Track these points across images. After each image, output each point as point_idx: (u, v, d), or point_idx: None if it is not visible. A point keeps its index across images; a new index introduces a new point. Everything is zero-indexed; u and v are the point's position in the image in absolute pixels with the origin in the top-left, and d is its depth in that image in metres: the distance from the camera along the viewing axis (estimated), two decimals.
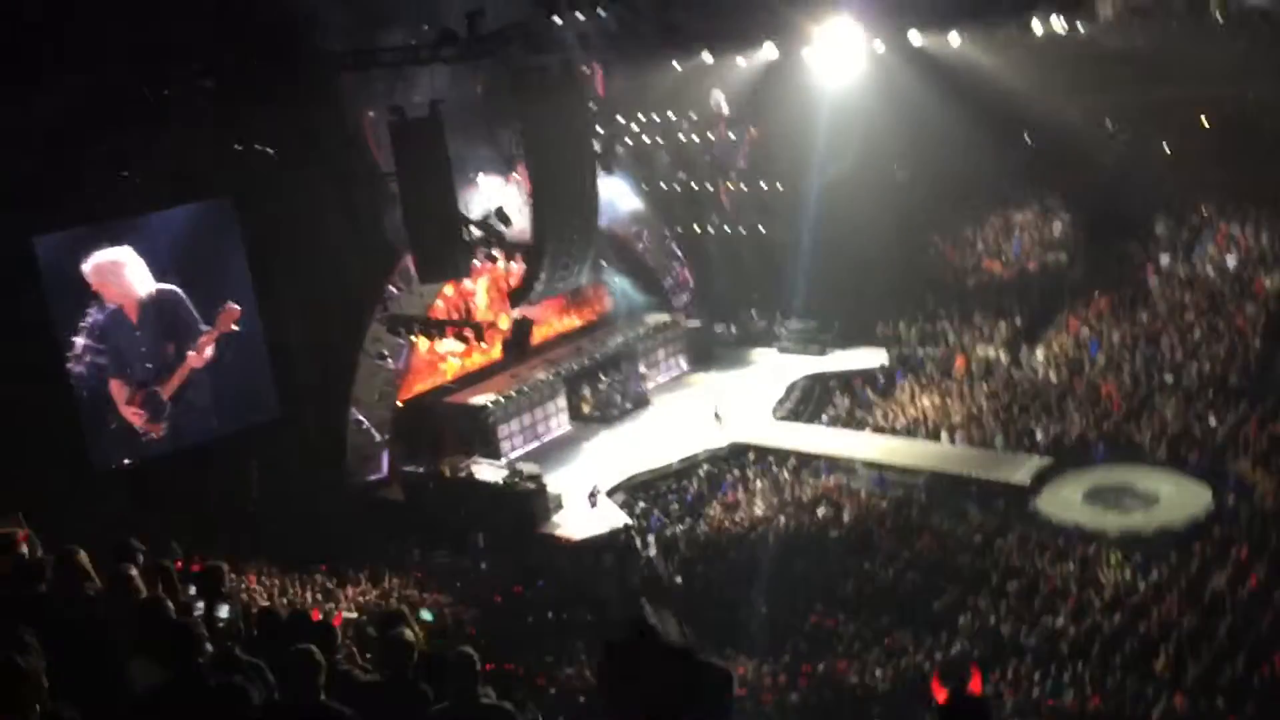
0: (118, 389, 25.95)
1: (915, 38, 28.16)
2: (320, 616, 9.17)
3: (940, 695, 5.28)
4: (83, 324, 25.19)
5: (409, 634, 7.17)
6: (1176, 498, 24.27)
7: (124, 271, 25.69)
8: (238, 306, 27.22)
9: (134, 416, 26.12)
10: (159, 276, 26.20)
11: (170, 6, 23.87)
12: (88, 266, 25.08)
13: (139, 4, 23.41)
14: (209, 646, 6.83)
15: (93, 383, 25.56)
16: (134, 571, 8.12)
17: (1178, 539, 22.26)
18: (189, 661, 5.67)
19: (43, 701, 3.70)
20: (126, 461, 25.87)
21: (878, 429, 29.92)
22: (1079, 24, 29.88)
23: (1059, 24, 29.22)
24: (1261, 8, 32.79)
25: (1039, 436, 27.37)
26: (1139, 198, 33.18)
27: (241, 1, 25.06)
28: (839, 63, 28.14)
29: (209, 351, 27.06)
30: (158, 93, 25.36)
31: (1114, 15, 33.32)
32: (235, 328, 27.21)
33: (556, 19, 28.01)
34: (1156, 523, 23.39)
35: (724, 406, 31.33)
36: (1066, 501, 24.93)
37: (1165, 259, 31.99)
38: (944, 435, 28.59)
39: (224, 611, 8.68)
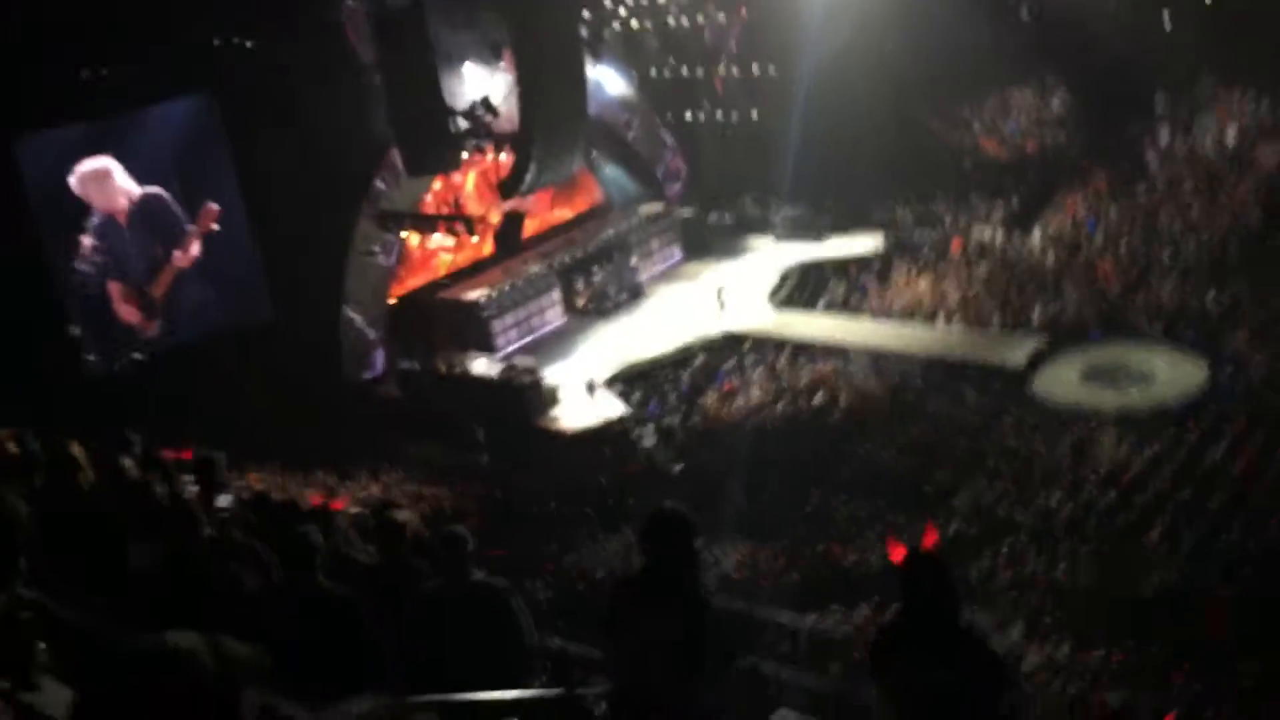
0: (115, 290, 25.97)
1: None
2: (319, 503, 9.23)
3: (896, 555, 5.47)
4: (86, 226, 25.10)
5: (402, 515, 7.15)
6: (1172, 374, 24.27)
7: (109, 179, 25.41)
8: (216, 206, 26.88)
9: (129, 314, 26.09)
10: (143, 179, 25.82)
11: None
12: (73, 178, 24.77)
13: None
14: (208, 531, 6.81)
15: (94, 286, 25.53)
16: (128, 462, 8.07)
17: (1174, 415, 22.33)
18: (183, 542, 5.63)
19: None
20: (134, 357, 25.90)
21: (874, 314, 29.82)
22: None
23: None
24: None
25: (1036, 317, 27.29)
26: (1139, 73, 32.58)
27: None
28: None
29: (195, 250, 26.82)
30: None
31: None
32: (215, 226, 26.92)
33: None
34: (1152, 400, 23.45)
35: (727, 290, 31.16)
36: (1063, 382, 24.93)
37: (1164, 134, 31.54)
38: (940, 318, 28.51)
39: (223, 500, 8.68)
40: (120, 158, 25.43)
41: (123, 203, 25.64)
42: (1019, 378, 25.41)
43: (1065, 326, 26.84)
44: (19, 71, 22.06)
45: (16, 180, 23.52)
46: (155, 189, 26.14)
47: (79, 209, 24.98)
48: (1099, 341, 26.19)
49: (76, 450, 7.69)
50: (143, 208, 25.93)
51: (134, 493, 6.80)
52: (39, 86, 22.98)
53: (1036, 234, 30.68)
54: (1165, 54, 32.01)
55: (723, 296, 30.99)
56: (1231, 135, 30.33)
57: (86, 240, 25.21)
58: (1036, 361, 25.85)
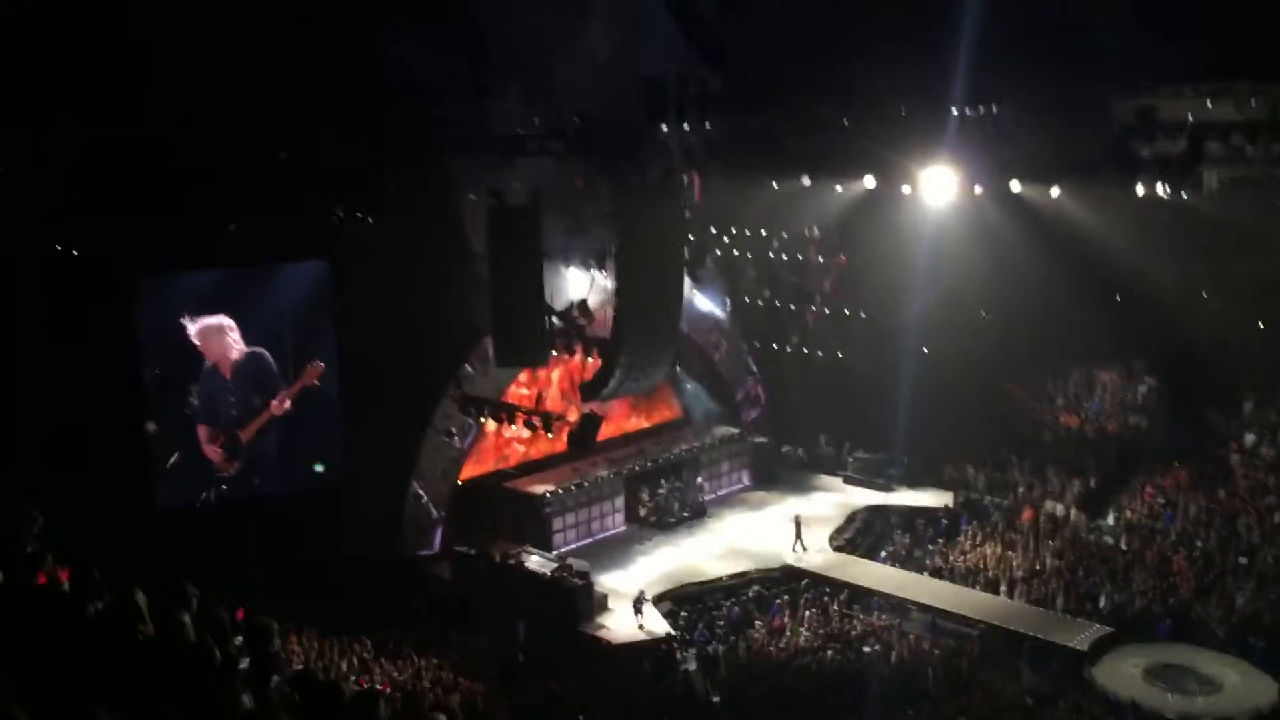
0: (203, 432, 26.88)
1: (1015, 185, 28.24)
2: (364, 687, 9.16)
3: None
4: (191, 372, 26.52)
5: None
6: (1241, 687, 23.33)
7: (225, 335, 26.74)
8: (322, 364, 27.75)
9: (213, 454, 26.89)
10: (254, 333, 26.94)
11: (288, 64, 24.75)
12: (193, 327, 26.24)
13: (257, 59, 24.31)
14: (247, 701, 6.82)
15: (180, 426, 26.53)
16: (187, 620, 8.16)
17: None
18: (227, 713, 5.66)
19: None
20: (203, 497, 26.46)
21: (935, 572, 29.30)
22: (1184, 192, 29.75)
23: (1163, 190, 29.11)
24: None
25: (1102, 602, 26.60)
26: (1228, 371, 32.62)
27: (360, 68, 25.85)
28: (936, 202, 28.25)
29: (288, 403, 27.61)
30: (271, 153, 26.36)
31: (1218, 186, 33.16)
32: (317, 383, 27.76)
33: (663, 126, 28.71)
34: (1217, 710, 22.46)
35: (803, 522, 30.99)
36: (1124, 675, 24.04)
37: (1250, 437, 31.26)
38: (1003, 588, 27.90)
39: (274, 680, 8.65)
40: (235, 310, 26.62)
41: (232, 356, 26.71)
42: (1079, 662, 24.57)
43: (1132, 617, 26.07)
44: (150, 214, 23.40)
45: (132, 318, 24.62)
46: (261, 349, 27.21)
47: (187, 355, 25.99)
48: (1166, 639, 25.33)
49: (140, 599, 7.83)
50: (248, 363, 27.00)
51: (190, 654, 6.86)
52: (168, 231, 24.28)
53: (1110, 517, 30.21)
54: (1256, 355, 32.08)
55: (800, 528, 30.71)
56: None
57: (195, 387, 26.39)
58: (1099, 648, 25.02)
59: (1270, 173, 30.49)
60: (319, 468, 25.94)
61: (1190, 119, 29.02)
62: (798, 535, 30.53)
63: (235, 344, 26.77)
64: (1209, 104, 30.96)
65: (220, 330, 26.58)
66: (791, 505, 33.70)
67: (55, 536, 8.18)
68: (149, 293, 25.37)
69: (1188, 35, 26.63)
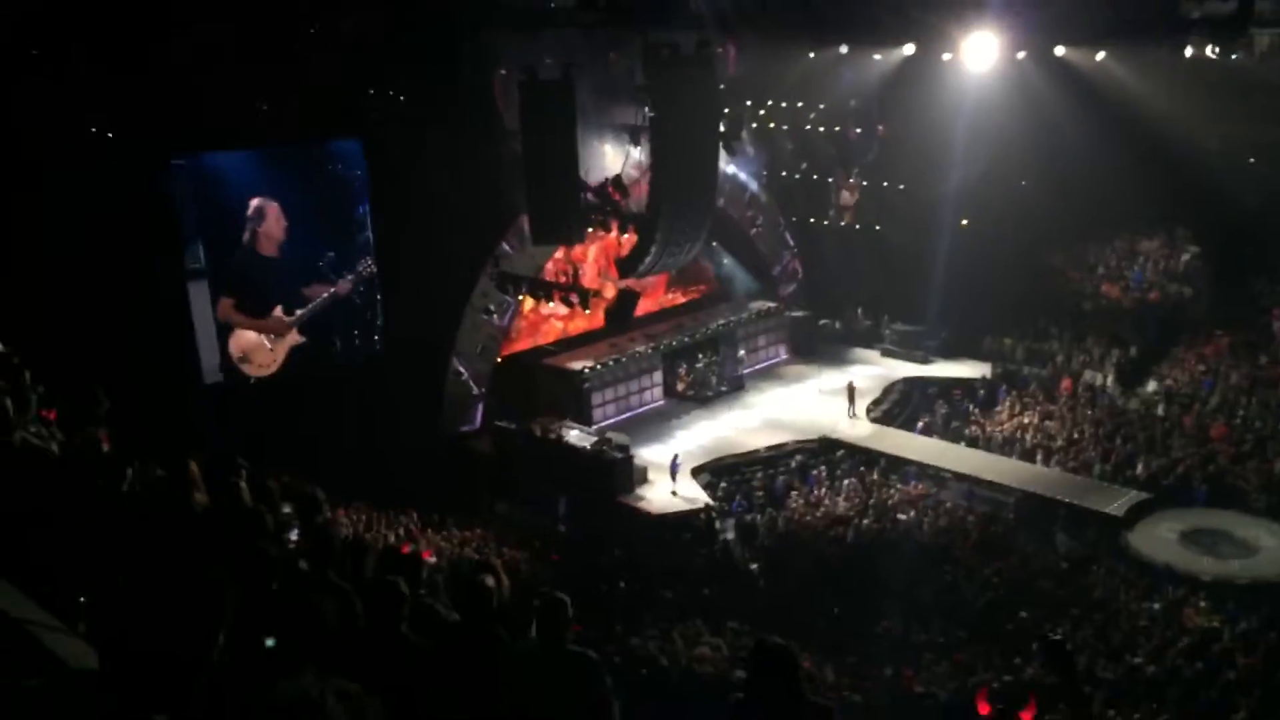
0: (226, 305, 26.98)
1: (1059, 50, 27.52)
2: (410, 550, 9.48)
3: (983, 709, 5.38)
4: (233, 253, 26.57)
5: (490, 580, 7.36)
6: (1277, 550, 23.50)
7: (270, 212, 26.67)
8: (374, 263, 27.99)
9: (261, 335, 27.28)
10: (292, 211, 26.92)
11: None
12: (252, 204, 26.42)
13: None
14: (303, 564, 7.09)
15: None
16: (244, 488, 8.44)
17: (1273, 591, 21.55)
18: (282, 573, 5.90)
19: None
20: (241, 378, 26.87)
21: (972, 442, 29.48)
22: (1233, 54, 28.85)
23: (1212, 51, 28.26)
24: None
25: (1139, 469, 26.71)
26: (1273, 238, 32.03)
27: None
28: (977, 68, 27.60)
29: (346, 287, 28.03)
30: (301, 32, 26.09)
31: (1269, 46, 32.12)
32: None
33: None
34: (1252, 573, 22.69)
35: (861, 387, 31.75)
36: (1160, 540, 24.27)
37: None
38: (1040, 457, 28.07)
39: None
40: (272, 188, 26.60)
41: (276, 235, 26.77)
42: (1114, 528, 24.81)
43: (1170, 484, 26.19)
44: (184, 93, 23.33)
45: (169, 199, 24.75)
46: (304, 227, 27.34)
47: (229, 235, 26.14)
48: (1203, 504, 25.47)
49: (194, 470, 8.09)
50: (289, 247, 27.03)
51: (248, 520, 7.13)
52: (203, 111, 24.24)
53: (1151, 386, 30.12)
54: None
55: (853, 394, 31.24)
56: None
57: (231, 264, 26.48)
58: (1135, 514, 25.22)
59: None
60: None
61: None
62: (851, 402, 31.03)
63: (280, 224, 26.80)
64: None
65: (265, 210, 26.63)
66: (829, 378, 33.92)
67: (107, 410, 8.39)
68: (184, 176, 25.36)
69: None
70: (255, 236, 26.55)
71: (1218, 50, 28.31)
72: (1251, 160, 33.51)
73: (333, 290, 27.87)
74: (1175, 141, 31.89)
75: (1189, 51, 28.12)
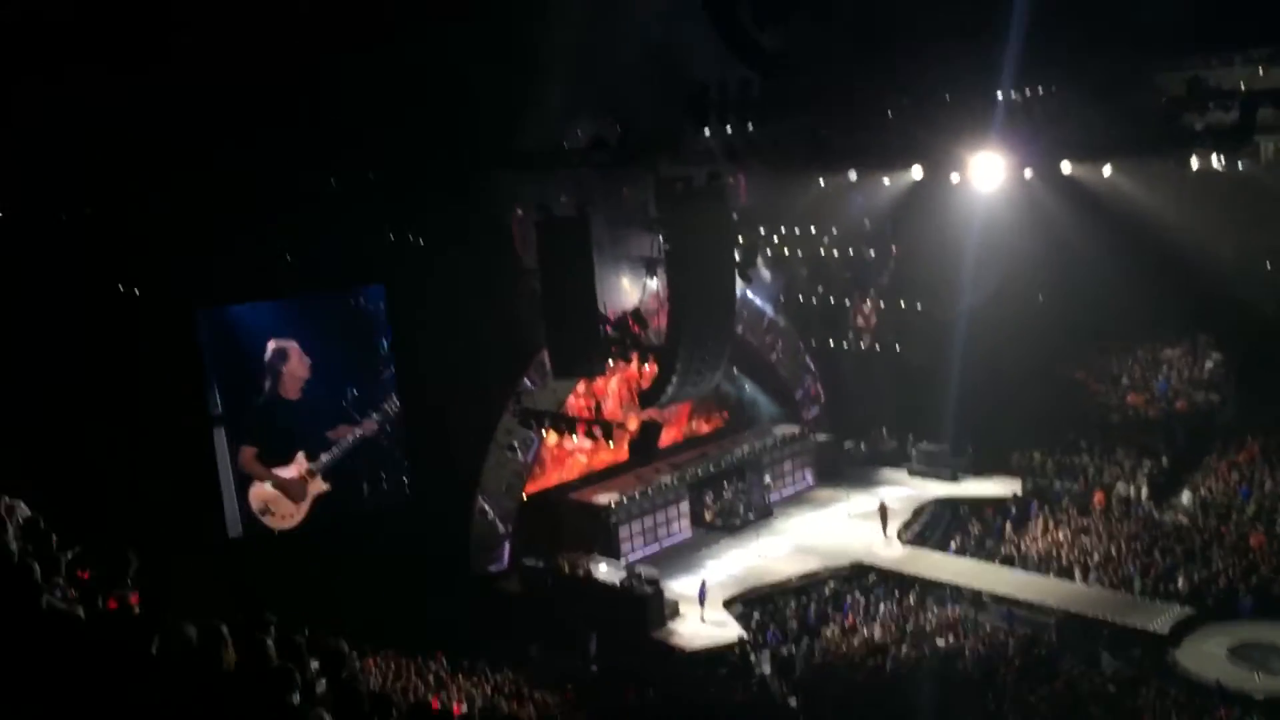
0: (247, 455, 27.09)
1: (1066, 166, 27.88)
2: (439, 706, 9.28)
3: None
4: (256, 399, 26.71)
5: None
6: None
7: (293, 355, 27.09)
8: (398, 401, 28.13)
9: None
10: (316, 358, 27.25)
11: (337, 95, 25.09)
12: (269, 347, 26.76)
13: (306, 91, 24.67)
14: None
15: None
16: (271, 645, 8.33)
17: None
18: None
19: None
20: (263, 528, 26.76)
21: (1007, 561, 28.96)
22: (1239, 162, 29.18)
23: (1217, 161, 28.60)
24: None
25: (1180, 583, 26.12)
26: None
27: (406, 93, 26.10)
28: (985, 188, 27.97)
29: (370, 428, 28.14)
30: (324, 180, 26.77)
31: (1275, 153, 32.50)
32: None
33: (706, 130, 28.69)
34: None
35: (893, 507, 31.59)
36: (1209, 657, 23.59)
37: None
38: (1078, 574, 27.51)
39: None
40: (292, 329, 27.02)
41: (301, 376, 27.01)
42: (1160, 646, 24.15)
43: (1213, 597, 25.57)
44: (206, 247, 23.87)
45: (195, 349, 25.09)
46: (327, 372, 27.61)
47: (252, 381, 26.41)
48: (1249, 617, 24.80)
49: (222, 630, 8.00)
50: (315, 386, 27.26)
51: (276, 680, 7.01)
52: (224, 263, 24.76)
53: (1185, 496, 29.67)
54: None
55: (886, 515, 31.04)
56: None
57: (252, 410, 26.65)
58: (1180, 631, 24.58)
59: None
60: None
61: (1242, 86, 28.51)
62: (884, 523, 30.86)
63: (303, 365, 27.16)
64: (1260, 70, 30.41)
65: (288, 352, 27.01)
66: (858, 502, 33.56)
67: (137, 570, 8.37)
68: (210, 326, 25.77)
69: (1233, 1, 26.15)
70: (278, 379, 26.89)
71: (1223, 160, 28.69)
72: (1268, 265, 33.66)
73: (358, 431, 27.98)
74: (1190, 250, 32.06)
75: (1195, 163, 28.49)
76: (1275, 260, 32.93)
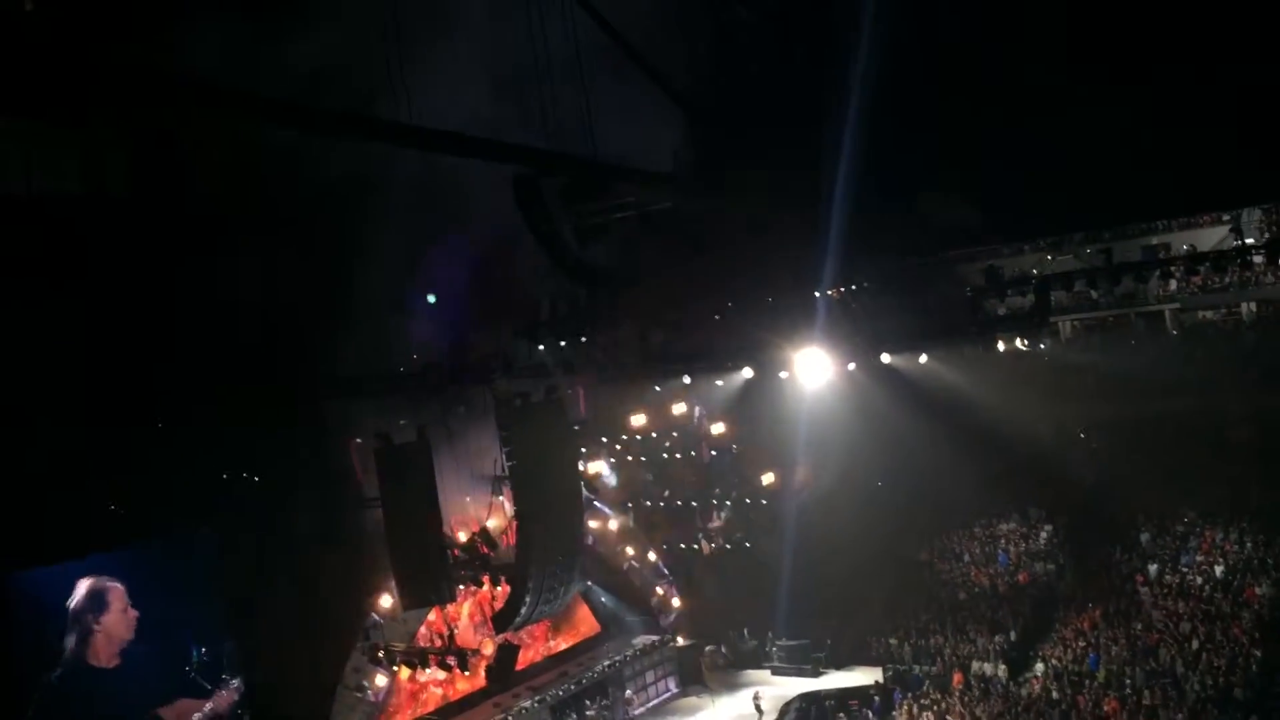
0: None
1: (885, 357, 29.25)
2: None
3: None
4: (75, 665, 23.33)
5: None
6: None
7: (114, 606, 24.18)
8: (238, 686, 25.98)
9: None
10: (144, 609, 25.19)
11: (160, 336, 24.53)
12: (82, 586, 23.65)
13: (127, 332, 24.05)
14: None
15: None
16: None
17: None
18: None
19: None
20: None
21: None
22: (1041, 343, 31.20)
23: (1021, 343, 30.55)
24: (1214, 320, 34.44)
25: None
26: (1120, 507, 33.51)
27: (228, 330, 25.74)
28: (813, 383, 29.01)
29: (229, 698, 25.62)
30: (149, 425, 25.86)
31: (1072, 332, 34.95)
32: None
33: (540, 346, 29.16)
34: None
35: (764, 699, 31.55)
36: None
37: (1153, 568, 31.90)
38: None
39: None
40: (110, 568, 24.74)
41: (117, 639, 24.64)
42: None
43: None
44: (16, 505, 22.39)
45: (8, 616, 23.22)
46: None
47: (76, 642, 24.02)
48: None
49: None
50: (135, 651, 24.66)
51: None
52: (38, 521, 23.21)
53: (1038, 668, 30.18)
54: (1143, 488, 33.11)
55: (759, 705, 31.06)
56: (1220, 569, 30.70)
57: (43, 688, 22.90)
58: None
59: (1117, 314, 32.26)
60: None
61: (1035, 272, 30.81)
62: (759, 711, 30.93)
63: (125, 620, 24.25)
64: (1049, 257, 33.01)
65: (106, 598, 24.09)
66: (724, 707, 32.98)
67: None
68: (25, 588, 23.75)
69: (1014, 199, 28.40)
70: (87, 639, 23.34)
71: (1026, 342, 30.65)
72: (1082, 435, 35.60)
73: (208, 706, 24.84)
74: (1010, 426, 33.76)
75: (1001, 345, 30.34)
76: (1088, 431, 34.86)
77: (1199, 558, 31.50)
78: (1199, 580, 30.74)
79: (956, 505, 36.27)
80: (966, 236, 31.86)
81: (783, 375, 29.56)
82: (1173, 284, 33.29)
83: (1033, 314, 26.70)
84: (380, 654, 27.79)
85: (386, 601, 28.04)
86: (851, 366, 29.28)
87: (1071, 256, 34.26)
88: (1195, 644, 28.30)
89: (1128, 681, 28.12)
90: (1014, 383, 32.72)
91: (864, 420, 31.79)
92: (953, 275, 32.67)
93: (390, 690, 29.53)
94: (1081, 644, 30.27)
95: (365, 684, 28.47)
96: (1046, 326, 30.05)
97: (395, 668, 28.06)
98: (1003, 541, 35.76)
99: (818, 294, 31.86)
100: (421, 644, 29.29)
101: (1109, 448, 34.94)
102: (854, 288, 34.61)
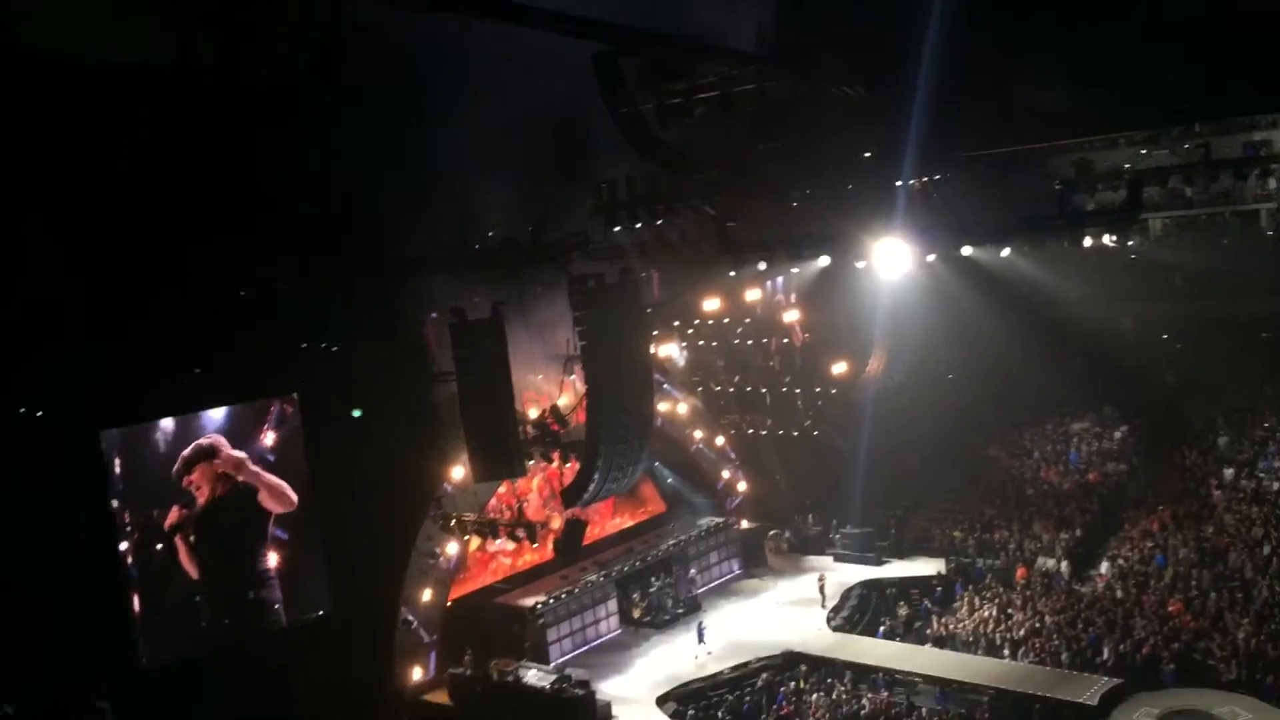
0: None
1: (966, 250, 28.70)
2: None
3: None
4: (155, 515, 25.33)
5: None
6: None
7: (221, 461, 26.00)
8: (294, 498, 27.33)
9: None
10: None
11: (248, 206, 24.93)
12: (179, 468, 25.48)
13: (219, 203, 24.47)
14: None
15: (160, 577, 25.54)
16: None
17: None
18: None
19: None
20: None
21: (937, 642, 29.04)
22: (1129, 239, 30.33)
23: (1110, 239, 29.70)
24: None
25: (1105, 654, 26.39)
26: (1199, 410, 32.92)
27: (317, 202, 26.00)
28: (890, 274, 28.62)
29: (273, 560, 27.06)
30: (234, 292, 26.46)
31: (1162, 229, 33.90)
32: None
33: (616, 227, 29.06)
34: None
35: (827, 584, 32.23)
36: None
37: (1228, 472, 31.44)
38: (1006, 650, 27.66)
39: None
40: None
41: (207, 493, 26.13)
42: (1091, 718, 24.27)
43: (1138, 665, 25.85)
44: (112, 363, 23.24)
45: (103, 470, 24.29)
46: (245, 480, 26.64)
47: (161, 501, 25.44)
48: (1174, 684, 25.10)
49: None
50: (225, 502, 26.35)
51: None
52: (135, 382, 24.15)
53: (1104, 566, 30.15)
54: (1223, 391, 32.45)
55: (824, 587, 31.77)
56: None
57: (164, 533, 25.51)
58: (1109, 701, 24.74)
59: (1211, 212, 31.20)
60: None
61: (1127, 167, 29.81)
62: (823, 595, 31.60)
63: (246, 461, 26.20)
64: (1144, 151, 31.88)
65: (212, 455, 25.91)
66: (785, 589, 33.52)
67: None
68: (116, 446, 24.90)
69: (1115, 87, 27.39)
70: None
71: (1114, 238, 29.80)
72: (1164, 336, 34.86)
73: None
74: (1091, 324, 33.15)
75: (1088, 241, 29.55)
76: (1171, 332, 34.10)
77: (1277, 463, 30.95)
78: (1276, 486, 30.25)
79: (1029, 402, 35.91)
80: (1058, 127, 30.89)
81: (860, 265, 29.19)
82: (1271, 183, 32.05)
83: (1123, 210, 25.93)
84: (452, 523, 28.48)
85: (458, 473, 28.62)
86: (931, 258, 28.82)
87: (1167, 152, 33.05)
88: (1267, 549, 28.01)
89: (1194, 584, 28.01)
90: (1098, 279, 31.97)
91: (940, 313, 31.33)
92: (1041, 167, 31.80)
93: (461, 558, 30.44)
94: (1149, 545, 30.13)
95: (437, 551, 29.37)
96: (1137, 223, 29.15)
97: (466, 537, 28.82)
98: (1075, 440, 35.42)
99: (899, 183, 31.24)
100: (491, 516, 30.01)
101: (1192, 349, 34.19)
102: (937, 178, 33.89)
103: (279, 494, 26.76)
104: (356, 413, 26.11)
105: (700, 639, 29.75)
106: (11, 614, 20.74)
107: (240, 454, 26.24)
